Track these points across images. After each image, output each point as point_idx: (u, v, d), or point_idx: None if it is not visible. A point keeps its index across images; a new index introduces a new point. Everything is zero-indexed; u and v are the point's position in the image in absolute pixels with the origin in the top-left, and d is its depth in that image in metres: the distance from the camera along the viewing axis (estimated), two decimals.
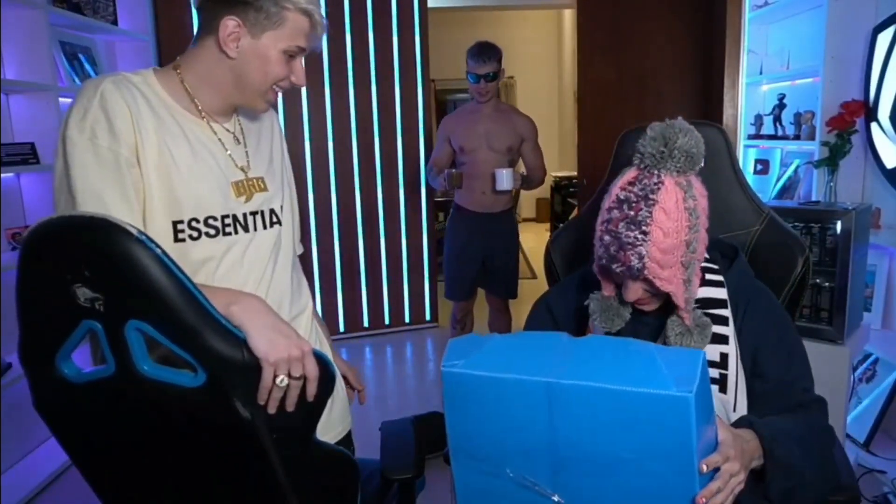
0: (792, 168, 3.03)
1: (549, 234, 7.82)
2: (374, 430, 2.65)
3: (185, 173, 1.08)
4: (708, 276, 1.18)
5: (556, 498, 0.93)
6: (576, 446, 0.89)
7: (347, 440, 1.40)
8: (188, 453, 0.99)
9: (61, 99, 2.64)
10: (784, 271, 1.38)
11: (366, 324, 4.20)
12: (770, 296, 1.25)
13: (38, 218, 2.78)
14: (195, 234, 1.10)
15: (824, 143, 2.61)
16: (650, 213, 1.05)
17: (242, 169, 1.18)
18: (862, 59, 2.59)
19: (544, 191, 7.89)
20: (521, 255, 3.14)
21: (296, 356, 0.95)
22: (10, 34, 2.47)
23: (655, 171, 1.07)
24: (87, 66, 3.01)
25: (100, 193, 1.00)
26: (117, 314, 0.87)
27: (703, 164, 1.09)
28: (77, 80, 2.88)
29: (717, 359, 1.14)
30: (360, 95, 3.95)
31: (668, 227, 1.05)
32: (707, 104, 3.84)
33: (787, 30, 3.25)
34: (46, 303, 0.90)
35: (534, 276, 5.70)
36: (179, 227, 1.09)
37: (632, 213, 1.06)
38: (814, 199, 2.69)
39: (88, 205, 1.00)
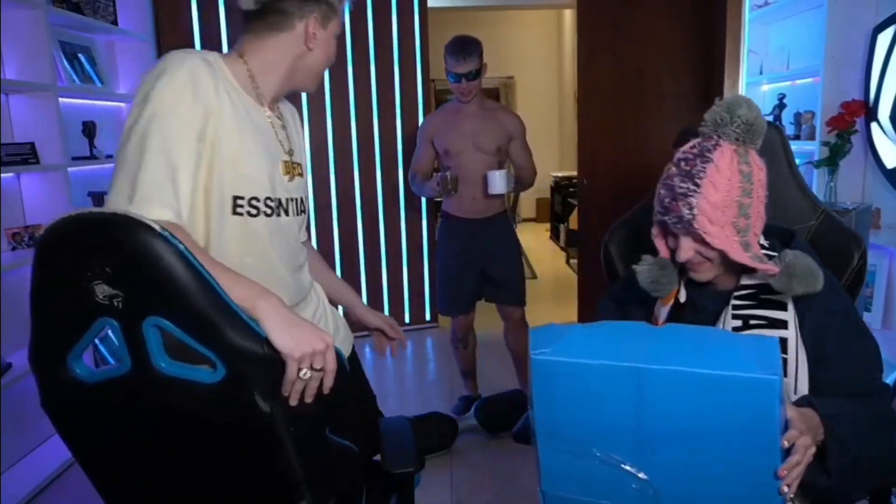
0: None
1: (548, 233, 7.82)
2: None
3: (252, 153, 1.16)
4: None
5: (641, 475, 0.97)
6: (662, 428, 0.95)
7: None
8: (200, 451, 1.00)
9: (61, 99, 2.63)
10: (841, 265, 1.40)
11: None
12: (832, 280, 1.26)
13: (38, 218, 2.77)
14: (254, 210, 1.18)
15: (824, 143, 2.61)
16: (704, 168, 1.13)
17: (288, 153, 1.28)
18: (862, 59, 2.59)
19: (544, 191, 7.89)
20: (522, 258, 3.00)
21: (319, 350, 0.99)
22: (10, 34, 2.47)
23: (715, 136, 1.16)
24: (87, 66, 3.01)
25: (170, 153, 1.04)
26: (136, 311, 0.87)
27: (759, 143, 1.17)
28: (77, 80, 2.88)
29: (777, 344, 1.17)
30: (360, 95, 3.95)
31: (720, 183, 1.13)
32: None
33: (787, 30, 3.25)
34: (62, 300, 0.89)
35: (534, 276, 5.70)
36: (239, 202, 1.16)
37: (687, 168, 1.15)
38: None
39: (157, 162, 1.03)
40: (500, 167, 2.73)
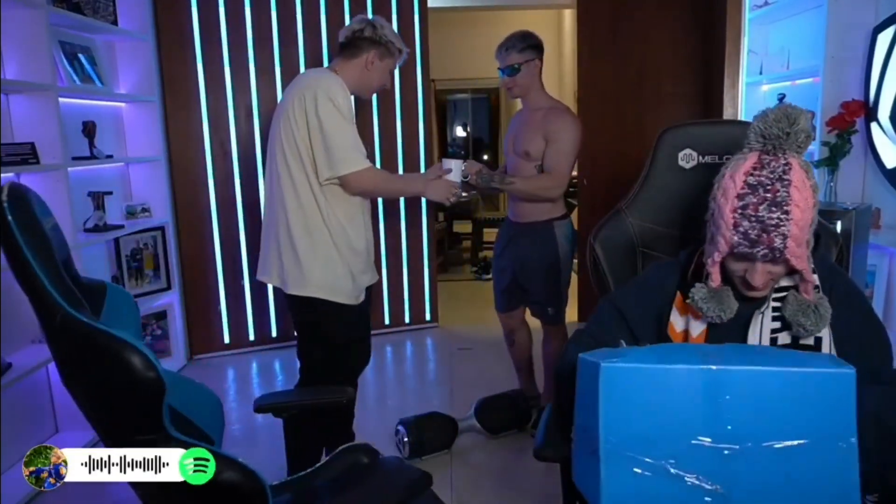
0: None
1: None
2: (375, 429, 2.65)
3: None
4: None
5: (714, 486, 0.95)
6: (739, 432, 0.94)
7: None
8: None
9: (61, 99, 2.63)
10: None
11: None
12: (848, 279, 1.29)
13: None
14: None
15: (824, 143, 2.61)
16: (787, 192, 1.10)
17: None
18: (862, 59, 2.59)
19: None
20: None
21: (452, 193, 2.14)
22: (10, 34, 2.47)
23: (780, 154, 1.12)
24: (87, 66, 3.00)
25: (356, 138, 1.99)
26: None
27: None
28: (77, 80, 2.88)
29: (812, 342, 1.18)
30: None
31: (803, 205, 1.11)
32: (707, 104, 3.83)
33: (787, 30, 3.25)
34: None
35: None
36: None
37: (769, 195, 1.11)
38: None
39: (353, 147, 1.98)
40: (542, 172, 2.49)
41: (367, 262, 2.15)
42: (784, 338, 1.20)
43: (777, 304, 1.21)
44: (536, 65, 2.47)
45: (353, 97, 2.05)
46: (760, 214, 1.11)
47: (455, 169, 2.21)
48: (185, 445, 1.04)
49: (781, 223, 1.10)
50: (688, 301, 1.23)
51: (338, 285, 2.04)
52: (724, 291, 1.21)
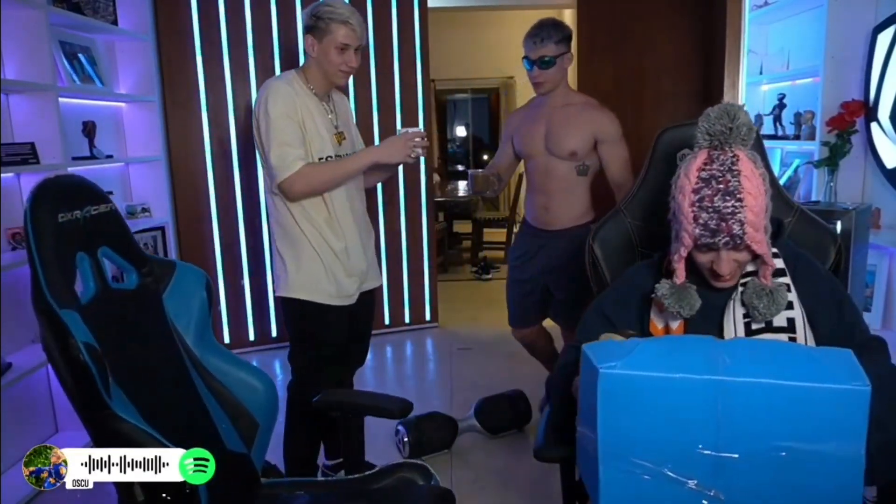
0: (792, 168, 3.03)
1: None
2: (376, 429, 2.64)
3: (320, 130, 1.99)
4: None
5: (716, 494, 0.92)
6: (741, 443, 0.91)
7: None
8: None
9: (61, 99, 2.63)
10: (819, 260, 1.43)
11: None
12: (811, 257, 1.35)
13: None
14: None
15: (824, 143, 2.61)
16: (738, 182, 1.17)
17: (336, 127, 2.06)
18: (862, 59, 2.59)
19: None
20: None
21: (407, 152, 1.96)
22: (10, 34, 2.47)
23: (726, 147, 1.20)
24: (87, 66, 3.00)
25: (290, 141, 1.91)
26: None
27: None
28: (77, 80, 2.88)
29: (785, 324, 1.23)
30: (360, 95, 3.94)
31: (755, 192, 1.18)
32: (707, 104, 3.81)
33: (787, 30, 3.25)
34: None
35: None
36: (321, 160, 1.99)
37: (721, 186, 1.18)
38: (814, 199, 2.69)
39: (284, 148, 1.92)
40: (582, 174, 2.35)
41: (353, 264, 2.09)
42: (757, 323, 1.24)
43: (745, 290, 1.26)
44: (570, 58, 2.30)
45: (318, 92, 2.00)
46: (716, 205, 1.18)
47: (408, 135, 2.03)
48: (135, 429, 1.08)
49: (737, 210, 1.17)
50: (653, 296, 1.29)
51: (319, 286, 2.03)
52: (687, 288, 1.26)
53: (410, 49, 4.01)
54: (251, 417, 1.44)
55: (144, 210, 3.37)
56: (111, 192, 3.11)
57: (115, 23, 3.19)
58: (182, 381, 1.38)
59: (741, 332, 1.24)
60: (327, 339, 2.07)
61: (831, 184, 2.59)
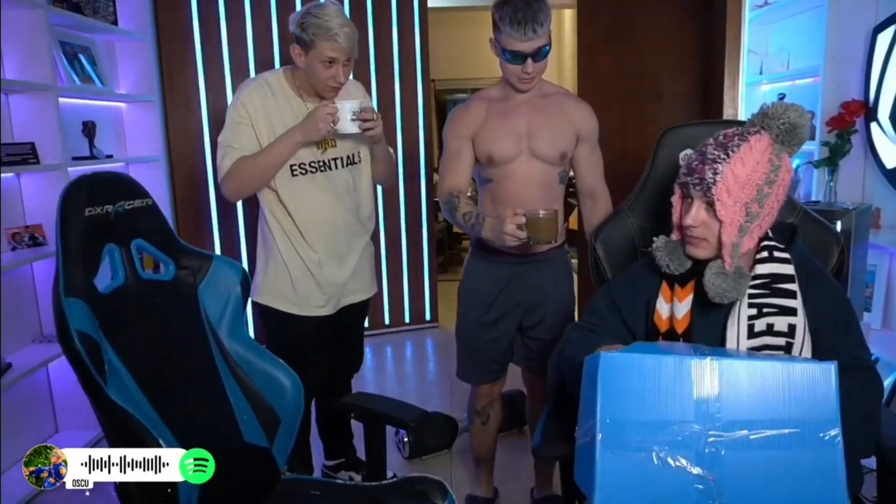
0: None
1: None
2: None
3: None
4: (776, 254, 1.28)
5: (704, 473, 1.00)
6: (728, 422, 1.00)
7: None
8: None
9: (61, 99, 2.63)
10: (822, 262, 1.43)
11: (366, 324, 4.18)
12: (828, 274, 1.36)
13: (37, 218, 2.79)
14: (302, 171, 1.95)
15: (824, 143, 2.61)
16: (739, 144, 1.21)
17: None
18: (862, 59, 2.59)
19: None
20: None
21: (324, 127, 1.84)
22: (10, 34, 2.47)
23: (758, 126, 1.24)
24: (87, 66, 3.00)
25: (233, 143, 1.89)
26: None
27: (796, 151, 1.25)
28: (77, 80, 2.88)
29: (786, 329, 1.24)
30: None
31: (749, 161, 1.20)
32: (707, 104, 3.83)
33: (787, 30, 3.25)
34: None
35: None
36: (294, 168, 1.93)
37: (724, 140, 1.22)
38: (814, 199, 2.69)
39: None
40: (562, 183, 1.96)
41: (327, 276, 2.01)
42: (760, 325, 1.25)
43: (753, 292, 1.26)
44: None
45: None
46: (706, 149, 1.23)
47: (343, 110, 1.84)
48: (129, 416, 1.11)
49: (718, 160, 1.20)
50: (648, 249, 1.35)
51: (282, 293, 2.01)
52: (679, 245, 1.31)
53: (410, 49, 4.01)
54: (274, 412, 1.46)
55: None
56: None
57: (114, 23, 3.18)
58: (206, 370, 1.42)
59: (744, 333, 1.25)
60: (289, 346, 1.99)
61: (831, 184, 2.59)
